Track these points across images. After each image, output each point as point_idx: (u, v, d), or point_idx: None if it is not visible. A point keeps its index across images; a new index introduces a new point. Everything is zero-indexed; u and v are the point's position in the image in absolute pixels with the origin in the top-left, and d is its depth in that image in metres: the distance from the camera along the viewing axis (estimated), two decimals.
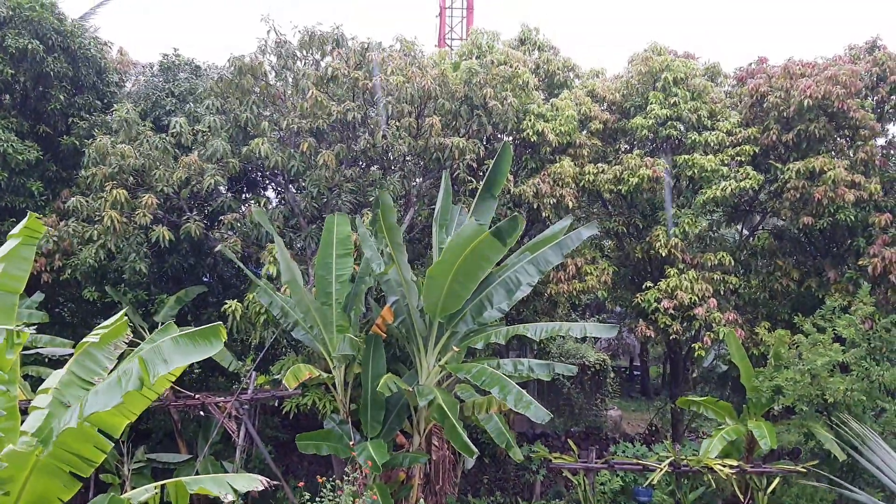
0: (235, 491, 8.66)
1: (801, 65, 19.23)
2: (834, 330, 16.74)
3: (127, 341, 8.71)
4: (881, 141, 20.12)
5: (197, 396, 16.94)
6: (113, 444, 8.05)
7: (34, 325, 16.88)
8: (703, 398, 18.29)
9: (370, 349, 16.14)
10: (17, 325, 16.20)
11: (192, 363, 20.05)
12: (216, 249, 17.46)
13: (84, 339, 8.37)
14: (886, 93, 19.32)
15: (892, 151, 20.33)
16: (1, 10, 17.91)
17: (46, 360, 17.09)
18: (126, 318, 8.59)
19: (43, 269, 16.96)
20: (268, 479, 9.20)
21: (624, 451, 20.19)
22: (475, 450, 14.46)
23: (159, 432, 18.60)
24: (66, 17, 19.16)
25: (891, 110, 19.74)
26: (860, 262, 18.06)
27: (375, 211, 15.33)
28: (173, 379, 7.96)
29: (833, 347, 16.30)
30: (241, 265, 16.15)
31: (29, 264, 8.01)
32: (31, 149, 17.98)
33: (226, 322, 16.39)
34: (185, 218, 17.29)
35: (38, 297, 17.24)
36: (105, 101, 19.88)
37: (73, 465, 7.80)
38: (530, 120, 18.97)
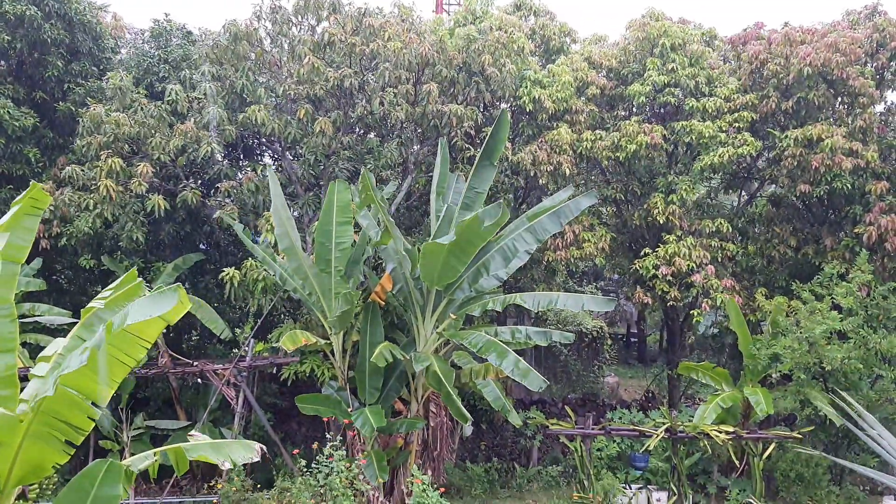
0: (233, 461, 8.71)
1: (800, 31, 19.06)
2: (832, 298, 16.79)
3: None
4: (880, 108, 20.04)
5: (195, 364, 17.04)
6: (100, 412, 8.08)
7: (32, 292, 16.97)
8: (700, 364, 18.41)
9: (368, 316, 16.20)
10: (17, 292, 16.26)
11: (190, 331, 20.31)
12: (214, 217, 17.43)
13: (91, 304, 8.37)
14: (886, 59, 19.17)
15: (890, 118, 20.26)
16: None
17: (45, 327, 17.17)
18: (139, 278, 8.59)
19: (41, 235, 16.96)
20: (264, 447, 9.27)
21: (621, 418, 20.33)
22: (469, 416, 14.61)
23: (158, 400, 18.71)
24: None
25: (890, 77, 19.62)
26: (856, 230, 18.05)
27: (360, 186, 15.36)
28: (147, 345, 7.94)
29: (831, 315, 16.37)
30: (240, 232, 16.13)
31: (32, 235, 8.00)
32: (28, 115, 17.89)
33: (223, 289, 16.44)
34: (181, 186, 17.24)
35: (37, 263, 17.27)
36: (101, 67, 19.73)
37: (63, 433, 7.86)
38: (527, 87, 18.85)
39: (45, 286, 17.09)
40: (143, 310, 7.34)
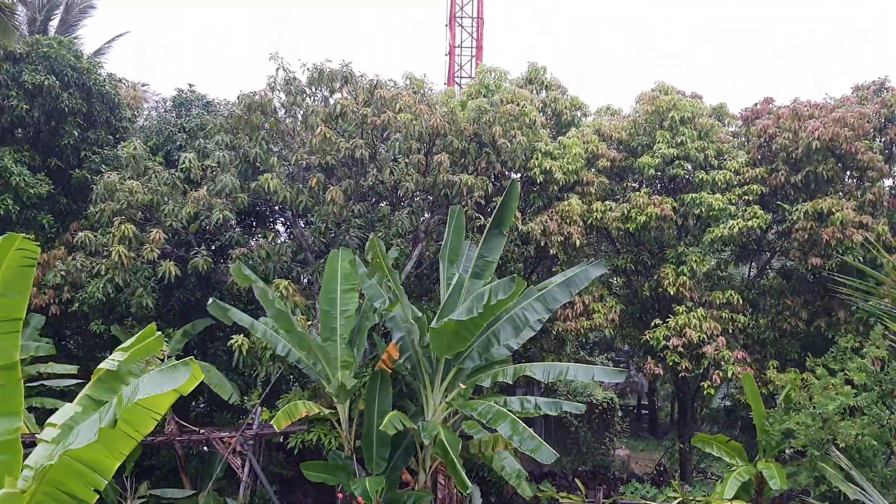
0: None
1: (808, 106, 19.27)
2: (845, 373, 16.61)
3: (162, 358, 8.65)
4: (889, 182, 20.10)
5: (202, 431, 16.89)
6: (106, 483, 7.93)
7: (41, 356, 16.95)
8: (715, 437, 18.14)
9: (376, 385, 16.07)
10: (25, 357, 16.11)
11: (198, 398, 20.18)
12: (229, 282, 17.49)
13: (105, 363, 8.26)
14: (894, 134, 19.32)
15: None
16: (19, 47, 18.17)
17: (52, 391, 17.07)
18: (158, 332, 8.52)
19: (52, 300, 17.05)
20: None
21: (633, 492, 19.95)
22: (469, 484, 14.30)
23: (163, 468, 18.50)
24: (82, 55, 19.42)
25: None
26: (869, 303, 17.85)
27: (369, 254, 15.42)
28: (157, 417, 7.81)
29: (844, 391, 16.17)
30: (237, 319, 15.93)
31: (28, 288, 7.68)
32: (43, 182, 18.15)
33: (232, 357, 16.37)
34: (193, 252, 17.35)
35: (39, 321, 17.28)
36: (117, 136, 20.08)
37: None
38: (538, 158, 19.03)
39: (53, 350, 17.06)
40: (156, 383, 7.25)
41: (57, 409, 8.28)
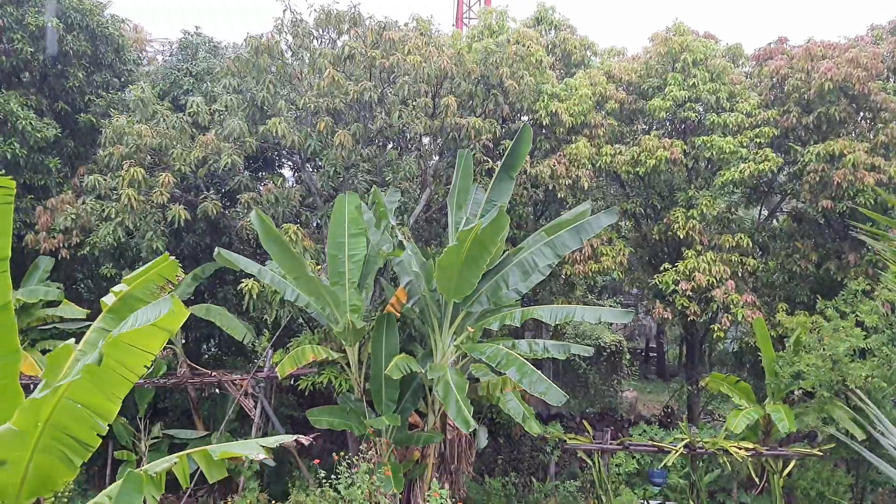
0: (266, 449, 8.55)
1: (822, 46, 18.94)
2: (856, 315, 16.62)
3: (175, 284, 8.67)
4: None
5: (214, 374, 17.09)
6: (107, 427, 7.98)
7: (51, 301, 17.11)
8: (726, 377, 18.27)
9: (383, 329, 16.15)
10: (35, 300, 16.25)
11: (209, 341, 20.36)
12: (237, 226, 17.52)
13: (118, 287, 8.24)
14: None
15: None
16: None
17: (64, 332, 17.28)
18: (172, 259, 8.51)
19: (61, 244, 17.13)
20: (300, 437, 9.22)
21: (641, 434, 20.18)
22: (473, 423, 14.16)
23: (176, 410, 18.79)
24: None
25: None
26: (880, 244, 17.79)
27: (371, 201, 15.38)
28: (149, 357, 7.81)
29: (855, 333, 16.20)
30: (243, 267, 15.92)
31: (9, 226, 7.48)
32: (50, 126, 18.08)
33: (242, 300, 16.46)
34: (202, 197, 17.34)
35: (48, 264, 17.45)
36: (122, 79, 19.94)
37: (71, 448, 7.79)
38: (544, 100, 18.82)
39: (63, 296, 17.20)
40: (139, 320, 7.28)
41: None
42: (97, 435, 7.91)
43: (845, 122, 18.63)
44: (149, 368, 10.19)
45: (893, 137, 18.15)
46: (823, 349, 16.26)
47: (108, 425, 7.95)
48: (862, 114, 19.05)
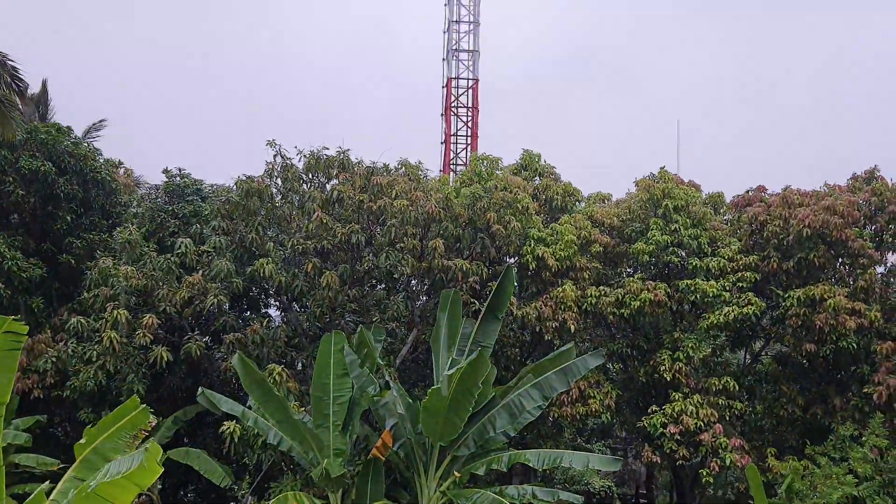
0: None
1: (798, 194, 19.58)
2: (847, 463, 16.45)
3: (148, 431, 8.47)
4: (881, 269, 20.23)
5: None
6: None
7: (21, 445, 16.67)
8: None
9: (368, 474, 15.76)
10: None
11: (187, 486, 19.73)
12: (222, 367, 17.35)
13: (87, 436, 8.03)
14: (885, 222, 19.62)
15: (891, 279, 20.45)
16: (18, 134, 18.39)
17: (35, 476, 16.74)
18: (142, 404, 8.34)
19: (35, 385, 16.84)
20: None
21: None
22: None
23: None
24: (80, 141, 19.64)
25: (889, 239, 19.97)
26: (865, 390, 17.92)
27: (359, 342, 15.41)
28: None
29: (847, 480, 15.98)
30: (226, 409, 15.72)
31: (13, 372, 7.55)
32: (35, 266, 18.11)
33: (223, 443, 16.09)
34: (186, 337, 17.22)
35: (13, 404, 17.11)
36: (111, 220, 20.13)
37: None
38: (530, 245, 19.12)
39: (30, 442, 16.75)
40: (113, 472, 7.08)
41: None
42: None
43: (824, 267, 19.01)
44: None
45: (872, 283, 18.52)
46: (817, 497, 15.97)
47: None
48: (840, 259, 19.44)
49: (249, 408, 15.85)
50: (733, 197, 21.61)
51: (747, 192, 21.30)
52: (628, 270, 20.89)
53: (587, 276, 19.55)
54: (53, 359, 16.63)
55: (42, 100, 23.87)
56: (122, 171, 21.97)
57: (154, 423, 16.73)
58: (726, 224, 20.99)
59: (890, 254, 20.35)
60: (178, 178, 21.18)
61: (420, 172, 20.40)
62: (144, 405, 8.27)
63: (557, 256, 19.07)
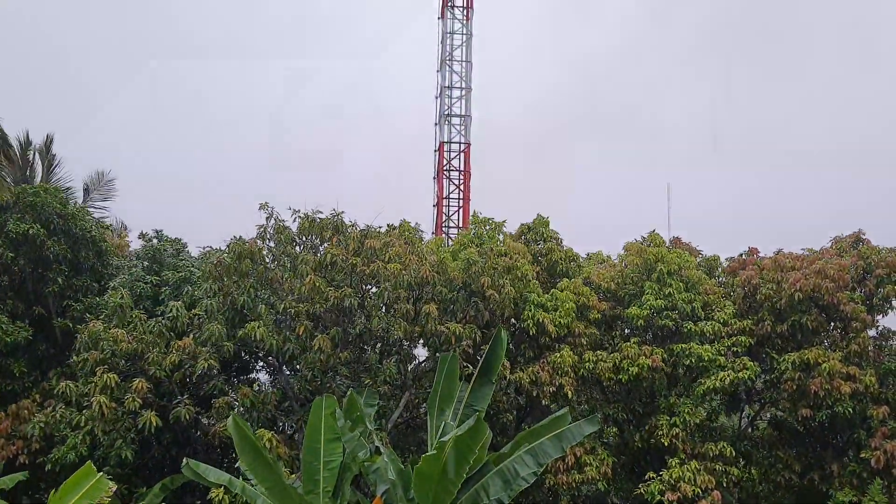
0: None
1: (790, 258, 19.74)
2: None
3: (109, 497, 8.28)
4: (872, 332, 20.30)
5: None
6: None
7: None
8: None
9: None
10: None
11: None
12: (211, 432, 17.04)
13: None
14: (874, 286, 19.79)
15: (884, 343, 20.49)
16: (5, 196, 18.31)
17: None
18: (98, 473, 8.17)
19: (20, 451, 16.48)
20: None
21: None
22: None
23: None
24: (68, 201, 19.53)
25: (879, 302, 20.08)
26: (862, 455, 17.86)
27: (349, 406, 15.22)
28: None
29: None
30: (213, 479, 15.43)
31: None
32: (22, 330, 17.86)
33: None
34: (175, 402, 16.94)
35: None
36: (102, 283, 19.93)
37: None
38: (530, 310, 19.04)
39: None
40: None
41: None
42: None
43: (818, 331, 19.10)
44: None
45: (865, 347, 18.56)
46: None
47: None
48: (833, 323, 19.49)
49: (236, 475, 15.53)
50: (727, 260, 21.72)
51: (741, 255, 21.45)
52: (625, 333, 20.84)
53: (585, 343, 19.47)
54: (41, 424, 16.26)
55: (45, 153, 23.89)
56: (116, 231, 21.81)
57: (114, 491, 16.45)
58: (720, 287, 21.03)
59: (881, 317, 20.44)
60: (155, 241, 21.01)
61: (417, 234, 20.40)
62: (101, 474, 8.07)
63: (556, 323, 18.99)
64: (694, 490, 17.49)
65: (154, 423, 16.12)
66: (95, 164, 26.20)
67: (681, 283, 19.84)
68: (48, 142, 24.07)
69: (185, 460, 15.29)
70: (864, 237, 21.05)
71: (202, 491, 18.60)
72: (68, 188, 19.68)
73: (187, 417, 16.54)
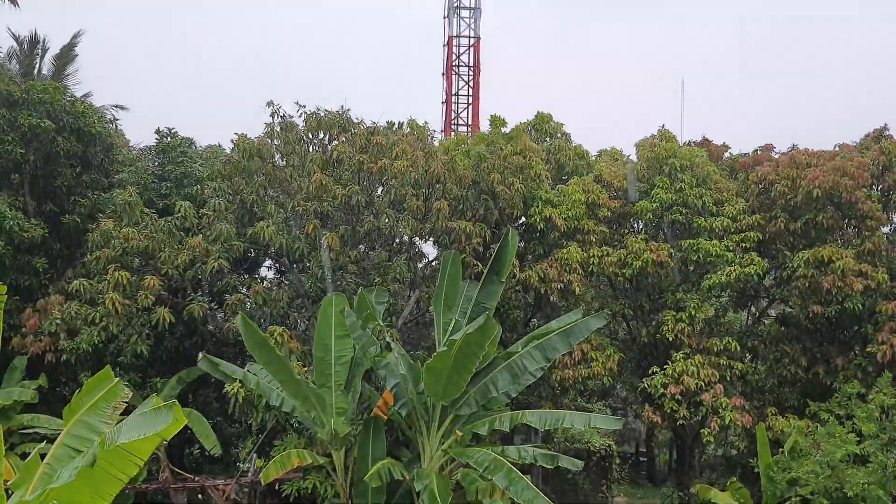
0: None
1: (807, 154, 19.35)
2: (852, 421, 16.50)
3: (126, 401, 8.54)
4: (886, 229, 20.12)
5: (196, 479, 16.67)
6: None
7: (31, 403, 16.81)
8: (731, 482, 17.92)
9: (369, 432, 15.83)
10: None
11: (193, 444, 19.92)
12: (224, 328, 17.38)
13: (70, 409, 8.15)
14: (892, 182, 19.42)
15: None
16: (15, 92, 18.25)
17: (43, 437, 16.87)
18: (115, 377, 8.41)
19: (48, 348, 16.86)
20: None
21: None
22: None
23: None
24: (77, 99, 19.44)
25: None
26: (868, 349, 17.94)
27: (360, 304, 15.41)
28: (140, 461, 7.64)
29: (849, 438, 16.04)
30: (225, 372, 15.80)
31: None
32: (38, 227, 18.06)
33: (225, 403, 16.17)
34: (189, 299, 17.22)
35: (22, 362, 17.34)
36: (110, 178, 20.02)
37: None
38: (538, 206, 18.97)
39: (36, 398, 16.90)
40: (139, 427, 7.15)
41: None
42: None
43: (832, 229, 18.91)
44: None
45: (879, 245, 18.41)
46: (821, 455, 16.05)
47: None
48: (848, 221, 19.28)
49: (250, 370, 15.93)
50: (741, 156, 21.40)
51: (755, 151, 21.11)
52: (634, 228, 20.80)
53: (594, 240, 19.42)
54: (58, 321, 16.62)
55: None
56: (115, 126, 21.71)
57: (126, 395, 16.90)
58: (734, 183, 20.80)
59: None
60: (168, 139, 21.00)
61: (427, 132, 20.20)
62: (118, 379, 8.29)
63: (565, 217, 18.93)
64: (697, 383, 17.71)
65: (168, 320, 16.43)
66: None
67: (692, 178, 19.63)
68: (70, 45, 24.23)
69: (201, 354, 15.67)
70: (887, 132, 20.63)
71: (217, 385, 19.13)
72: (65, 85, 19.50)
73: (200, 314, 16.83)
